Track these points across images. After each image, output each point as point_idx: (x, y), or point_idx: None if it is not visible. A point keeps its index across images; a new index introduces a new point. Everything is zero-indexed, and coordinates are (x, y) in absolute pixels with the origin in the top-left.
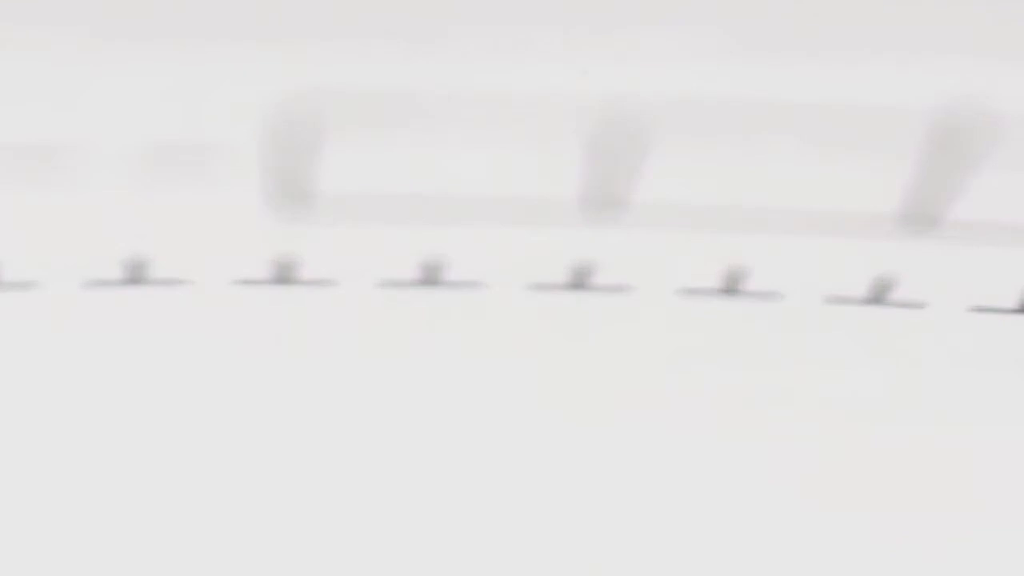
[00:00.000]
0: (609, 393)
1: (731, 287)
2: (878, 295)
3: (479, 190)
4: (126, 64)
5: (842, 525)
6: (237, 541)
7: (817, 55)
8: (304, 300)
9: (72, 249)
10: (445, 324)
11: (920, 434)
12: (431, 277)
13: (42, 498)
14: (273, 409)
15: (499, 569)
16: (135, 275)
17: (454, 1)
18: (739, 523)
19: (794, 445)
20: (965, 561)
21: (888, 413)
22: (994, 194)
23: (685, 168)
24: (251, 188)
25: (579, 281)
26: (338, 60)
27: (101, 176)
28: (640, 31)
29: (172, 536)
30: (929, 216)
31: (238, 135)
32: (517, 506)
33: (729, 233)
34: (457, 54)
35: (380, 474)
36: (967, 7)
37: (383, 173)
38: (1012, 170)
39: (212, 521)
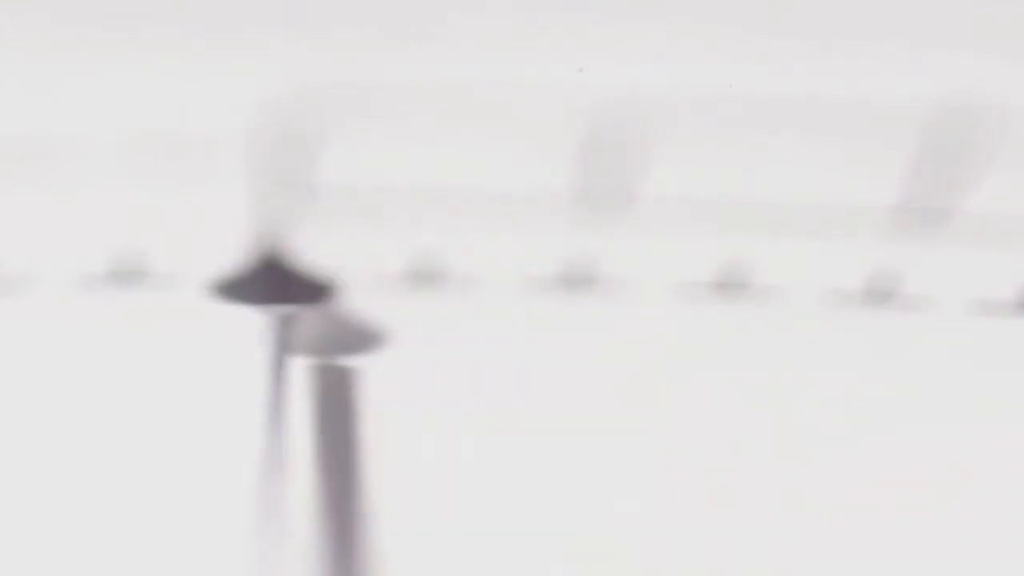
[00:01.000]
0: (608, 391)
1: (731, 285)
2: (879, 294)
3: (476, 186)
4: (121, 59)
5: (842, 524)
6: (230, 536)
7: (818, 53)
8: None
9: (66, 245)
10: (442, 321)
11: (920, 433)
12: (428, 272)
13: (40, 497)
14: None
15: (498, 567)
16: (128, 271)
17: None
18: (740, 521)
19: (794, 444)
20: (965, 559)
21: (887, 413)
22: (995, 192)
23: (684, 165)
24: (246, 183)
25: (576, 277)
26: (334, 55)
27: (95, 172)
28: (636, 27)
29: (166, 532)
30: (930, 214)
31: (233, 130)
32: (517, 504)
33: (728, 231)
34: (454, 50)
35: (377, 471)
36: (968, 3)
37: (379, 168)
38: (1014, 168)
39: (206, 517)
